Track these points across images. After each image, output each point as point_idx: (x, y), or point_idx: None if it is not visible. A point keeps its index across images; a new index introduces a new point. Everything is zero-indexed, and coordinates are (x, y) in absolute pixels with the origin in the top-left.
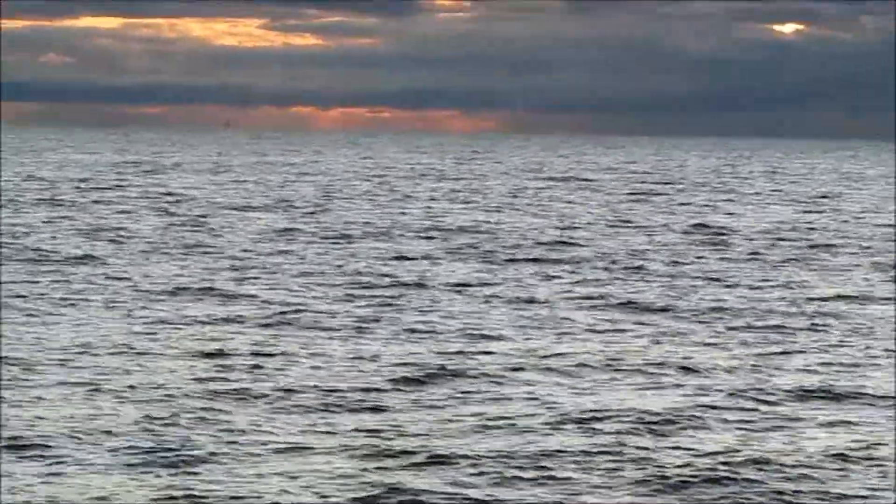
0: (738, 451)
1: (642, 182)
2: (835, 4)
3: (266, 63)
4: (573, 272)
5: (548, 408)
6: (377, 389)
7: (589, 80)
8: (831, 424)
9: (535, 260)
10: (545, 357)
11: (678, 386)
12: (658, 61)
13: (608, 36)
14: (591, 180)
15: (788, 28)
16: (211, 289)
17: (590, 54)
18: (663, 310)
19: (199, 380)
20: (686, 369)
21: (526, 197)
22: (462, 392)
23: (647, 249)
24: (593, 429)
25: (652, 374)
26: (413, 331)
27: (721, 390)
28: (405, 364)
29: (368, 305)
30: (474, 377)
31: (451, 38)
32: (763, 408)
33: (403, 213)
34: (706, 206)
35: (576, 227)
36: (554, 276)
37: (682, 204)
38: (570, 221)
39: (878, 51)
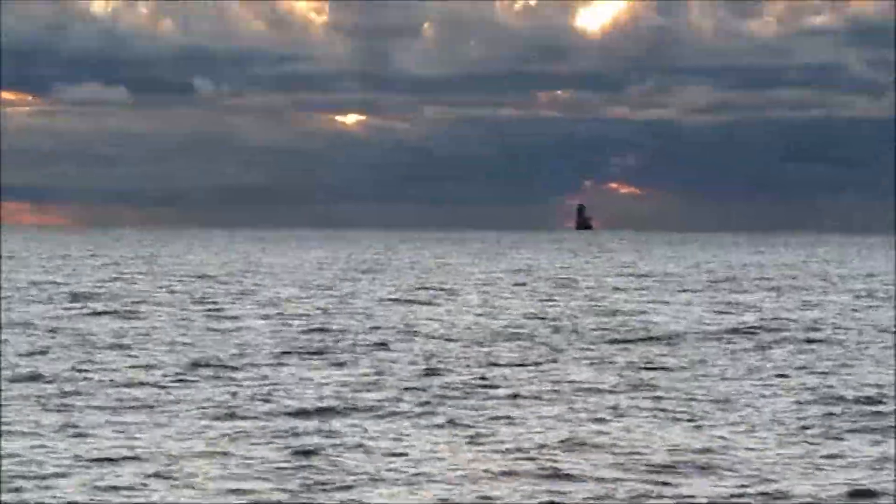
0: None
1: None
2: (395, 95)
3: None
4: None
5: None
6: None
7: (154, 173)
8: None
9: None
10: None
11: None
12: (222, 153)
13: (173, 128)
14: None
15: (351, 119)
16: None
17: (154, 147)
18: None
19: None
20: None
21: None
22: None
23: None
24: None
25: None
26: None
27: None
28: None
29: None
30: None
31: (17, 131)
32: None
33: None
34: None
35: None
36: None
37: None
38: None
39: (436, 139)
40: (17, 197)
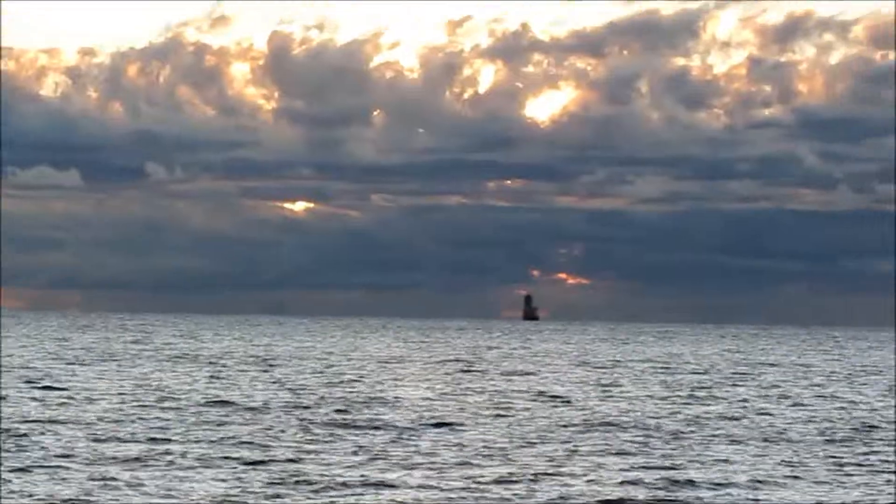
0: None
1: None
2: (344, 183)
3: None
4: None
5: None
6: None
7: (102, 259)
8: None
9: None
10: None
11: None
12: (171, 238)
13: (121, 214)
14: None
15: (299, 206)
16: None
17: (104, 231)
18: None
19: None
20: None
21: None
22: None
23: None
24: None
25: None
26: None
27: None
28: None
29: None
30: None
31: None
32: None
33: None
34: None
35: None
36: None
37: None
38: None
39: (384, 226)
40: None
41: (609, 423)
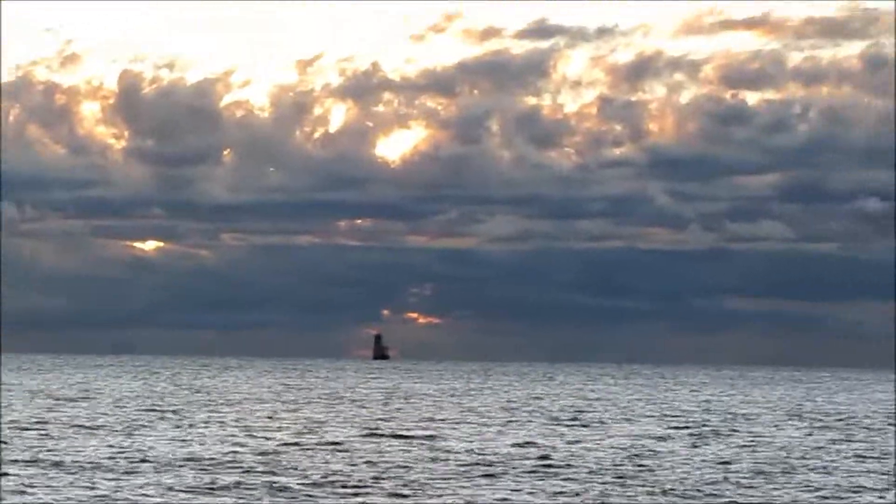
0: None
1: None
2: (194, 222)
3: None
4: None
5: None
6: None
7: None
8: None
9: None
10: None
11: None
12: (20, 279)
13: None
14: None
15: (149, 245)
16: None
17: None
18: None
19: None
20: None
21: None
22: None
23: None
24: None
25: None
26: None
27: None
28: None
29: None
30: None
31: None
32: None
33: None
34: None
35: None
36: None
37: None
38: None
39: (234, 266)
40: None
41: (461, 462)
